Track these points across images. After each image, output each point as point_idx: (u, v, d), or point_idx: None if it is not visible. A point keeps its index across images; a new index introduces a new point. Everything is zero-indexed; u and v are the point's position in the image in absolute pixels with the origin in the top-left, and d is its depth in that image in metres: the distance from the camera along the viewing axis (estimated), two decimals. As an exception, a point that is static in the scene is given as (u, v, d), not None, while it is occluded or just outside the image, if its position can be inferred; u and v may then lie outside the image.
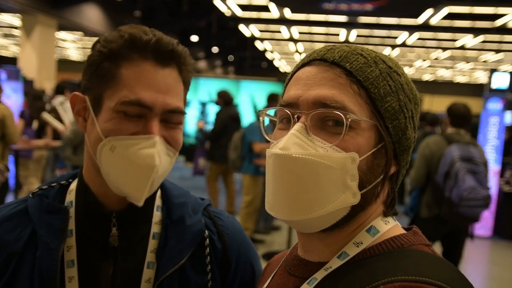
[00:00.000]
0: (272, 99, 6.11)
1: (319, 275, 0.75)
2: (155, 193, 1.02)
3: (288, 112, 0.76)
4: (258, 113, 0.84)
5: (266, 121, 0.87)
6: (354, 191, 0.72)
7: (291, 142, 0.72)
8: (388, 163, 0.76)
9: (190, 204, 1.05)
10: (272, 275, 0.89)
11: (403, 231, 0.79)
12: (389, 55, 0.82)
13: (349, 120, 0.71)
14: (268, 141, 0.80)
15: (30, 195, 0.99)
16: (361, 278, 0.69)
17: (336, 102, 0.72)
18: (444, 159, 3.84)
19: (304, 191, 0.71)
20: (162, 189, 1.05)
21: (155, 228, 0.99)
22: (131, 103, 0.87)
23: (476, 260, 6.70)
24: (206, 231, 1.02)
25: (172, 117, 0.92)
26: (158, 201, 1.03)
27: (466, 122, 4.04)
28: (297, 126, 0.73)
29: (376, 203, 0.77)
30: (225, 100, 7.13)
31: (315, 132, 0.73)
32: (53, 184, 1.01)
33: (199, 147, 8.85)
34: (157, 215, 1.01)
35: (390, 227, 0.78)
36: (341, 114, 0.71)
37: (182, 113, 0.94)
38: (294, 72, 0.82)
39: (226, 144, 6.69)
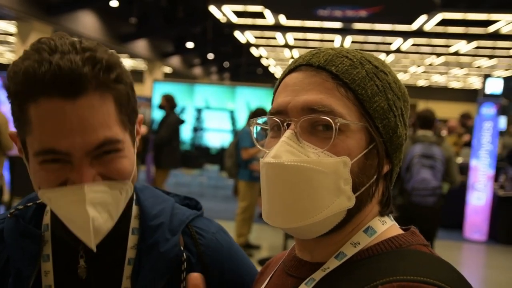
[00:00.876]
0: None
1: (317, 275, 0.75)
2: (129, 216, 0.95)
3: (278, 120, 0.76)
4: (248, 122, 0.83)
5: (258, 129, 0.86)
6: (349, 195, 0.72)
7: (282, 150, 0.72)
8: (380, 162, 0.76)
9: (168, 224, 0.95)
10: (270, 276, 0.89)
11: (401, 231, 0.79)
12: (384, 60, 0.82)
13: (338, 124, 0.71)
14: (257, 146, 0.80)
15: (8, 215, 0.94)
16: (359, 278, 0.69)
17: (324, 106, 0.72)
18: (407, 156, 4.60)
19: (298, 198, 0.71)
20: (140, 207, 0.97)
21: (130, 253, 0.92)
22: (44, 153, 0.77)
23: (472, 264, 6.72)
24: (184, 254, 0.94)
25: (104, 148, 0.80)
26: (134, 223, 0.95)
27: (431, 124, 4.81)
28: (287, 133, 0.73)
29: (371, 203, 0.77)
30: (171, 104, 7.08)
31: (306, 138, 0.73)
32: (29, 204, 0.95)
33: (147, 154, 8.21)
34: (132, 239, 0.93)
35: (387, 227, 0.78)
36: (329, 119, 0.71)
37: (114, 142, 0.80)
38: (281, 79, 0.82)
39: (178, 148, 6.54)
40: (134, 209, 0.96)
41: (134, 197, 0.97)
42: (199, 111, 12.31)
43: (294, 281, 0.80)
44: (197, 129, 12.11)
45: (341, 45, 13.70)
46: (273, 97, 0.82)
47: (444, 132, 7.55)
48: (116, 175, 0.82)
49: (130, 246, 0.93)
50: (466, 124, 9.49)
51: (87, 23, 14.80)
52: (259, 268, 1.03)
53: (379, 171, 0.76)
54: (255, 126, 0.84)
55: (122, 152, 0.83)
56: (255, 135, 0.84)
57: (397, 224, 0.81)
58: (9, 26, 15.57)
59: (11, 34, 16.91)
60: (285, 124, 0.75)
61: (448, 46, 16.48)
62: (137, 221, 0.95)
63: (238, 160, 6.09)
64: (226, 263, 1.00)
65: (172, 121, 6.94)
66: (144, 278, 0.90)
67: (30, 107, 0.77)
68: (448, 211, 7.95)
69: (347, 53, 0.78)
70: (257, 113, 6.11)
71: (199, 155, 11.73)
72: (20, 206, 0.96)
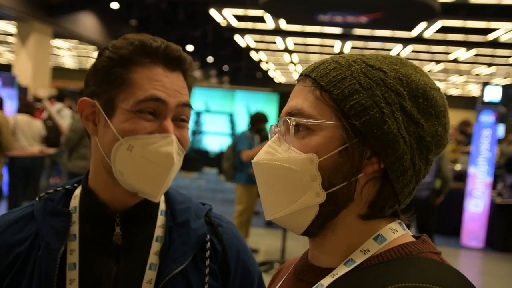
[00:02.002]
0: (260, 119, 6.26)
1: (325, 281, 0.75)
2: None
3: (272, 126, 0.86)
4: (269, 129, 0.88)
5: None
6: (317, 191, 0.75)
7: (263, 151, 0.81)
8: (359, 161, 0.74)
9: (193, 209, 1.09)
10: (281, 281, 0.90)
11: (412, 239, 0.78)
12: (395, 58, 0.81)
13: (294, 123, 0.77)
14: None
15: (37, 199, 1.03)
16: (368, 283, 0.70)
17: (296, 109, 0.78)
18: None
19: (272, 192, 0.79)
20: (166, 195, 1.09)
21: (158, 232, 1.03)
22: (147, 100, 0.93)
23: (469, 271, 6.72)
24: (208, 235, 1.06)
25: (183, 112, 0.98)
26: (162, 206, 1.06)
27: None
28: (274, 136, 0.83)
29: (356, 203, 0.76)
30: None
31: (287, 139, 0.79)
32: (58, 189, 1.05)
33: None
34: (161, 219, 1.04)
35: (398, 235, 0.77)
36: (287, 119, 0.78)
37: (191, 107, 1.01)
38: None
39: (86, 154, 5.70)
40: None
41: None
42: (198, 114, 12.32)
43: (304, 285, 0.81)
44: (196, 133, 12.11)
45: (341, 51, 13.76)
46: None
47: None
48: (184, 142, 0.99)
49: (159, 225, 1.04)
50: (466, 132, 9.50)
51: (87, 24, 14.82)
52: None
53: (360, 170, 0.75)
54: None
55: (187, 125, 1.01)
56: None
57: (410, 233, 0.80)
58: (9, 26, 15.57)
59: (10, 35, 16.91)
60: (276, 129, 0.84)
61: (448, 53, 16.54)
62: (164, 204, 1.07)
63: (235, 163, 6.10)
64: (240, 251, 1.11)
65: (80, 125, 5.59)
66: (175, 251, 1.00)
67: (134, 70, 0.94)
68: (445, 218, 7.96)
69: (342, 58, 0.80)
70: (257, 117, 6.16)
71: (198, 158, 11.74)
72: (51, 190, 1.05)
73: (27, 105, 7.04)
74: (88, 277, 0.96)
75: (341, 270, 0.75)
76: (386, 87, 0.76)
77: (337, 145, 0.75)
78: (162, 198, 1.08)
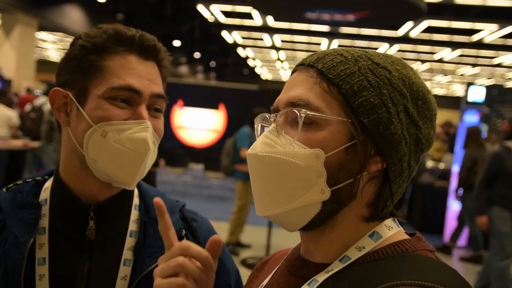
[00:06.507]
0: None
1: (320, 277, 0.75)
2: (132, 191, 1.04)
3: (266, 115, 0.81)
4: (253, 120, 0.85)
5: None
6: (322, 188, 0.72)
7: (260, 142, 0.76)
8: (365, 159, 0.74)
9: (168, 204, 1.04)
10: (272, 273, 0.89)
11: (407, 237, 0.78)
12: (398, 59, 0.82)
13: (303, 116, 0.73)
14: None
15: (4, 190, 0.99)
16: (364, 280, 0.69)
17: (302, 100, 0.74)
18: None
19: (270, 187, 0.74)
20: (140, 189, 1.07)
21: (132, 226, 1.00)
22: (121, 89, 0.91)
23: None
24: (183, 230, 1.03)
25: (157, 102, 0.97)
26: (136, 200, 1.04)
27: None
28: (270, 127, 0.78)
29: (358, 202, 0.76)
30: None
31: (288, 131, 0.76)
32: (28, 180, 1.01)
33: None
34: (135, 214, 1.02)
35: (393, 233, 0.77)
36: (295, 111, 0.74)
37: (165, 98, 0.99)
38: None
39: (57, 147, 5.67)
40: (135, 189, 1.06)
41: None
42: (185, 109, 12.25)
43: (297, 280, 0.79)
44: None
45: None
46: None
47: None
48: (158, 132, 0.97)
49: (133, 220, 1.01)
50: (449, 132, 9.64)
51: (73, 17, 14.64)
52: (241, 268, 1.03)
53: (364, 169, 0.74)
54: (259, 124, 0.85)
55: (162, 116, 1.00)
56: (258, 132, 0.84)
57: (403, 230, 0.80)
58: (-7, 18, 15.33)
59: (-6, 26, 16.65)
60: (271, 119, 0.79)
61: (433, 53, 16.72)
62: (138, 199, 1.06)
63: (235, 159, 6.13)
64: None
65: None
66: (150, 246, 0.98)
67: (108, 57, 0.94)
68: (429, 216, 8.06)
69: (346, 51, 0.79)
70: (257, 114, 6.13)
71: (184, 154, 11.69)
72: (19, 181, 1.01)
73: (1, 95, 7.11)
74: (59, 273, 0.92)
75: (336, 266, 0.75)
76: (391, 87, 0.76)
77: (344, 141, 0.73)
78: (136, 192, 1.05)
